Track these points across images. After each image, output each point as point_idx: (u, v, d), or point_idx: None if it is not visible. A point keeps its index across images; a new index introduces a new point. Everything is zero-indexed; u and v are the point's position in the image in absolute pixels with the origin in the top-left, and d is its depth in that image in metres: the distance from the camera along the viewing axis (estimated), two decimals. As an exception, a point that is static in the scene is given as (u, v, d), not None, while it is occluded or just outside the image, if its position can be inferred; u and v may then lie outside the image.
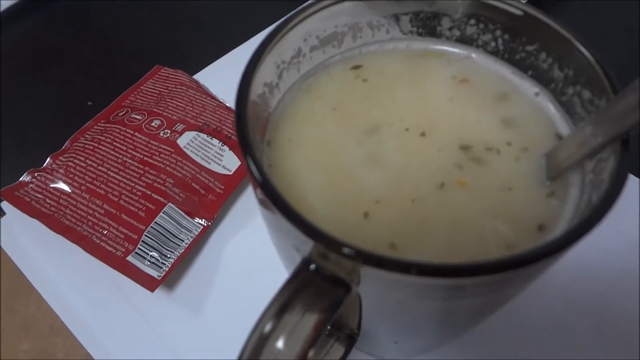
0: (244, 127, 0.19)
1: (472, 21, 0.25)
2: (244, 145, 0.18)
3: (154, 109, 0.43)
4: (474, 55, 0.26)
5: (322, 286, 0.17)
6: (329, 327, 0.27)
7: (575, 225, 0.17)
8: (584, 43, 0.21)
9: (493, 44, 0.25)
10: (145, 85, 0.47)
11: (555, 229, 0.20)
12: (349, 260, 0.16)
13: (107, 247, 0.36)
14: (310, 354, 0.26)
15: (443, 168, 0.21)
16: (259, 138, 0.22)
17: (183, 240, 0.36)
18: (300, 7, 0.22)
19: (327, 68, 0.25)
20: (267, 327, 0.17)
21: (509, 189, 0.21)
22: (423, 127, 0.23)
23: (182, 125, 0.41)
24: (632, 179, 0.38)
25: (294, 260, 0.19)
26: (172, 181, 0.38)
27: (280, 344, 0.17)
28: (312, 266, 0.17)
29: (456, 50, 0.26)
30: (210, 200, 0.38)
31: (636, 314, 0.33)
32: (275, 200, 0.17)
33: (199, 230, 0.37)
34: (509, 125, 0.23)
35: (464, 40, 0.25)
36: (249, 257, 0.37)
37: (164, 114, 0.42)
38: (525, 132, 0.23)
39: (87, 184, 0.38)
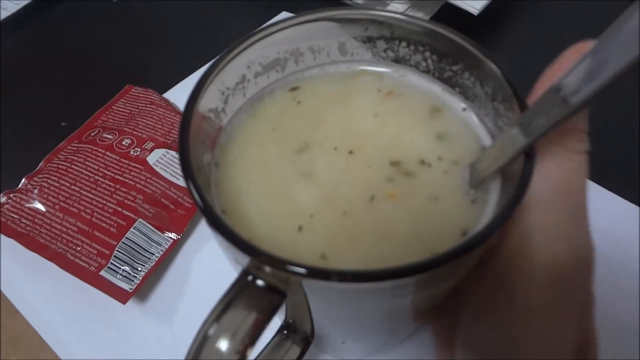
0: (186, 155, 0.20)
1: (404, 43, 0.27)
2: (185, 171, 0.20)
3: (125, 128, 0.45)
4: (408, 74, 0.28)
5: (258, 292, 0.19)
6: (285, 332, 0.29)
7: (481, 229, 0.19)
8: (496, 63, 0.23)
9: (424, 63, 0.27)
10: (116, 105, 0.49)
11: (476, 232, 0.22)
12: (279, 271, 0.18)
13: (81, 263, 0.37)
14: (264, 354, 0.28)
15: (374, 182, 0.23)
16: (207, 159, 0.24)
17: (153, 254, 0.38)
18: (242, 38, 0.24)
19: (271, 92, 0.27)
20: (210, 330, 0.19)
21: (435, 199, 0.23)
22: (350, 146, 0.25)
23: (151, 143, 0.43)
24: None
25: (237, 268, 0.21)
26: (142, 197, 0.40)
27: (221, 344, 0.19)
28: (250, 277, 0.19)
29: (390, 70, 0.28)
30: (179, 215, 0.40)
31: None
32: (212, 220, 0.19)
33: (169, 244, 0.39)
34: (441, 139, 0.25)
35: (399, 61, 0.28)
36: (217, 268, 0.38)
37: (134, 132, 0.44)
38: (456, 146, 0.25)
39: (61, 203, 0.40)
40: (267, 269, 0.19)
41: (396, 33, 0.26)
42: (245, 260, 0.19)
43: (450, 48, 0.25)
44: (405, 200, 0.23)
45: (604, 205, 0.40)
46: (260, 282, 0.19)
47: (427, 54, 0.26)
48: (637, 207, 0.40)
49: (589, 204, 0.37)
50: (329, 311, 0.24)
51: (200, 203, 0.20)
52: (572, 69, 0.18)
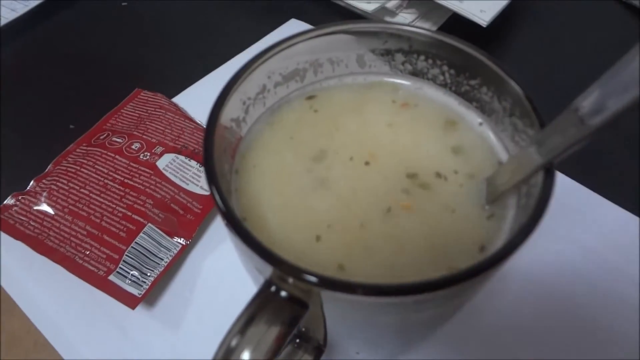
0: (210, 162, 0.21)
1: (422, 57, 0.27)
2: (209, 178, 0.20)
3: (134, 132, 0.45)
4: (424, 87, 0.28)
5: (282, 304, 0.20)
6: (297, 340, 0.29)
7: (500, 247, 0.19)
8: (516, 80, 0.23)
9: (441, 77, 0.27)
10: (125, 108, 0.49)
11: (494, 249, 0.22)
12: (303, 283, 0.19)
13: (90, 267, 0.37)
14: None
15: (390, 194, 0.24)
16: (228, 167, 0.24)
17: (162, 259, 0.38)
18: (263, 49, 0.25)
19: (290, 101, 0.28)
20: (233, 342, 0.19)
21: (452, 212, 0.23)
22: (366, 156, 0.25)
23: (161, 147, 0.43)
24: (632, 218, 0.41)
25: (258, 280, 0.21)
26: (151, 202, 0.40)
27: (244, 356, 0.19)
28: (273, 288, 0.20)
29: (408, 82, 0.28)
30: (188, 220, 0.40)
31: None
32: (236, 228, 0.19)
33: (178, 249, 0.39)
34: (457, 153, 0.26)
35: (416, 74, 0.28)
36: (226, 273, 0.39)
37: (144, 137, 0.44)
38: (472, 159, 0.25)
39: (70, 206, 0.40)
40: (291, 279, 0.19)
41: (415, 47, 0.27)
42: (267, 270, 0.20)
43: (469, 63, 0.25)
44: (421, 212, 0.24)
45: (604, 216, 0.41)
46: (283, 293, 0.19)
47: (445, 67, 0.27)
48: (637, 218, 0.40)
49: (590, 214, 0.38)
50: (344, 321, 0.24)
51: (223, 208, 0.20)
52: (592, 90, 0.18)
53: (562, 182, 0.43)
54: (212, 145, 0.21)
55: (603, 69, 0.18)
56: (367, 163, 0.25)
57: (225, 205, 0.20)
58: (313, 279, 0.18)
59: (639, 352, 0.34)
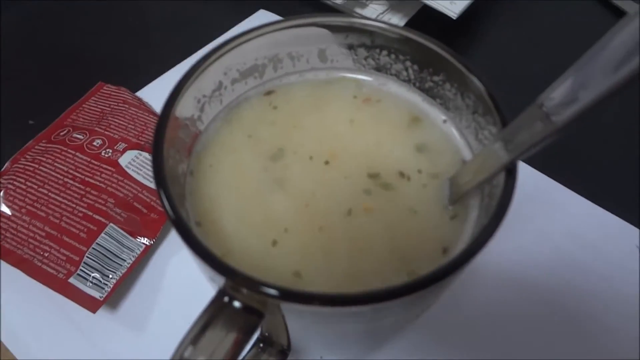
0: (160, 166, 0.20)
1: (385, 52, 0.26)
2: (158, 183, 0.19)
3: (96, 128, 0.43)
4: (388, 83, 0.27)
5: (235, 314, 0.19)
6: (261, 344, 0.28)
7: (461, 251, 0.18)
8: (478, 76, 0.22)
9: (405, 73, 0.26)
10: (87, 103, 0.47)
11: (457, 251, 0.22)
12: (257, 294, 0.18)
13: (49, 270, 0.36)
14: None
15: (351, 195, 0.23)
16: (182, 169, 0.23)
17: (125, 260, 0.37)
18: (218, 44, 0.23)
19: (248, 98, 0.27)
20: (185, 353, 0.19)
21: (414, 214, 0.23)
22: (326, 155, 0.24)
23: (123, 144, 0.42)
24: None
25: (213, 287, 0.20)
26: (113, 201, 0.39)
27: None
28: (226, 298, 0.19)
29: (371, 78, 0.27)
30: (152, 219, 0.39)
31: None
32: (187, 238, 0.18)
33: (141, 250, 0.38)
34: (421, 151, 0.25)
35: (379, 69, 0.27)
36: (192, 275, 0.37)
37: (106, 133, 0.43)
38: (436, 158, 0.25)
39: (28, 206, 0.38)
40: (245, 290, 0.18)
41: (377, 41, 0.26)
42: (221, 280, 0.19)
43: (432, 58, 0.24)
44: (383, 214, 0.23)
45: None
46: (237, 304, 0.19)
47: (408, 63, 0.26)
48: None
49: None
50: (305, 329, 0.23)
51: (173, 216, 0.19)
52: (557, 85, 0.18)
53: (530, 174, 0.42)
54: (161, 148, 0.20)
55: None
56: (327, 162, 0.24)
57: (175, 212, 0.19)
58: (266, 290, 0.17)
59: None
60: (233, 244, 0.22)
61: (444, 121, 0.26)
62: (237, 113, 0.26)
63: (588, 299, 0.37)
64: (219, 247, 0.21)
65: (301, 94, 0.27)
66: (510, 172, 0.20)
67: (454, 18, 0.47)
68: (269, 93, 0.27)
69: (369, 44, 0.26)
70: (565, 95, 0.17)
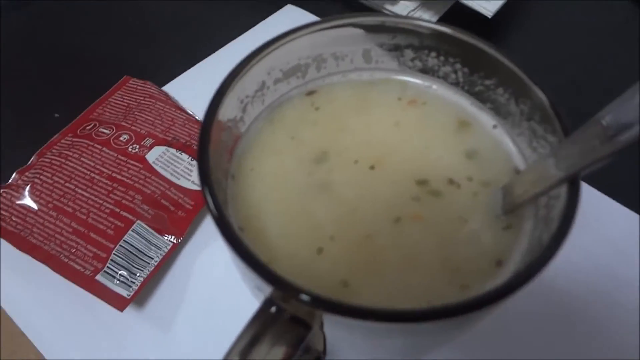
0: (207, 171, 0.19)
1: (433, 53, 0.25)
2: (206, 190, 0.18)
3: (122, 123, 0.43)
4: (434, 85, 0.26)
5: (284, 326, 0.18)
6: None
7: (523, 267, 0.17)
8: (538, 84, 0.21)
9: (453, 75, 0.25)
10: (113, 97, 0.46)
11: (511, 264, 0.21)
12: (306, 305, 0.17)
13: (76, 266, 0.35)
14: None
15: (399, 202, 0.22)
16: (223, 172, 0.23)
17: (152, 258, 0.36)
18: (262, 44, 0.23)
19: (290, 98, 0.26)
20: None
21: (465, 222, 0.22)
22: (372, 160, 0.23)
23: (150, 139, 0.41)
24: (632, 215, 0.39)
25: (257, 294, 0.20)
26: (140, 198, 0.38)
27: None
28: (273, 308, 0.18)
29: (417, 80, 0.26)
30: (179, 217, 0.38)
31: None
32: (234, 244, 0.18)
33: (168, 248, 0.37)
34: (471, 157, 0.24)
35: (426, 71, 0.26)
36: (219, 274, 0.37)
37: (133, 128, 0.42)
38: (486, 165, 0.24)
39: (55, 202, 0.38)
40: (294, 301, 0.17)
41: (425, 42, 0.25)
42: (267, 288, 0.18)
43: (485, 62, 0.23)
44: (433, 222, 0.22)
45: (605, 213, 0.39)
46: (285, 315, 0.18)
47: (458, 65, 0.25)
48: (638, 215, 0.39)
49: (591, 212, 0.37)
50: (345, 340, 0.22)
51: (221, 222, 0.18)
52: (622, 101, 0.16)
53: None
54: (207, 152, 0.19)
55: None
56: (372, 167, 0.23)
57: (223, 218, 0.18)
58: (317, 301, 0.16)
59: (639, 352, 0.33)
60: (277, 251, 0.21)
61: (494, 126, 0.25)
62: (279, 112, 0.25)
63: (620, 310, 0.36)
64: (264, 254, 0.21)
65: (343, 94, 0.26)
66: (573, 184, 0.19)
67: (489, 17, 0.46)
68: (310, 93, 0.26)
69: (417, 45, 0.25)
70: (630, 112, 0.16)
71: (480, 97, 0.25)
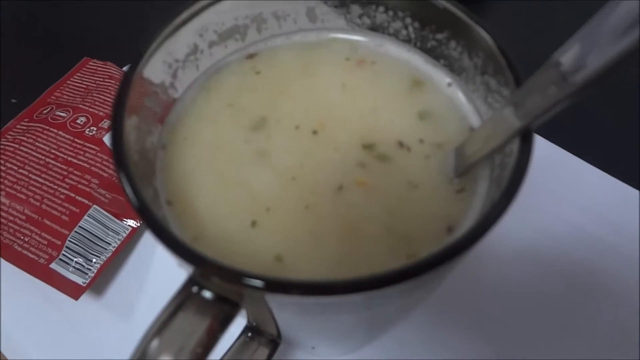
0: (118, 140, 0.17)
1: (382, 8, 0.23)
2: (116, 159, 0.17)
3: (80, 105, 0.41)
4: (385, 44, 0.24)
5: (206, 305, 0.16)
6: (249, 334, 0.26)
7: (469, 228, 0.16)
8: (488, 30, 0.20)
9: (404, 32, 0.23)
10: (72, 79, 0.44)
11: (463, 229, 0.19)
12: (228, 284, 0.15)
13: (29, 255, 0.34)
14: (229, 355, 0.25)
15: (342, 169, 0.20)
16: (152, 142, 0.21)
17: (110, 244, 0.35)
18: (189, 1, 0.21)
19: (229, 63, 0.24)
20: (150, 346, 0.16)
21: (414, 188, 0.20)
22: (315, 125, 0.21)
23: (109, 121, 0.39)
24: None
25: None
26: (97, 182, 0.36)
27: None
28: (195, 288, 0.16)
29: (366, 38, 0.24)
30: (139, 200, 0.37)
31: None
32: (149, 221, 0.16)
33: (127, 232, 0.35)
34: (424, 118, 0.22)
35: (376, 29, 0.24)
36: (181, 258, 0.35)
37: (90, 110, 0.40)
38: (440, 126, 0.22)
39: (7, 189, 0.36)
40: (215, 279, 0.16)
41: (372, -4, 0.23)
42: (189, 267, 0.16)
43: (435, 13, 0.21)
44: (379, 189, 0.20)
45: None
46: (207, 294, 0.16)
47: (408, 20, 0.23)
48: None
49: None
50: (292, 320, 0.21)
51: (134, 198, 0.16)
52: (574, 42, 0.15)
53: (545, 147, 0.39)
54: (121, 117, 0.18)
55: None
56: (315, 132, 0.21)
57: (135, 191, 0.16)
58: (236, 278, 0.15)
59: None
60: (207, 225, 0.19)
61: (449, 84, 0.23)
62: (216, 80, 0.23)
63: (604, 274, 0.34)
64: (192, 229, 0.19)
65: (287, 57, 0.24)
66: (526, 138, 0.17)
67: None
68: (251, 56, 0.24)
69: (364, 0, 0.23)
70: (581, 55, 0.15)
71: (433, 54, 0.23)
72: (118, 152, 0.17)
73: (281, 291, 0.15)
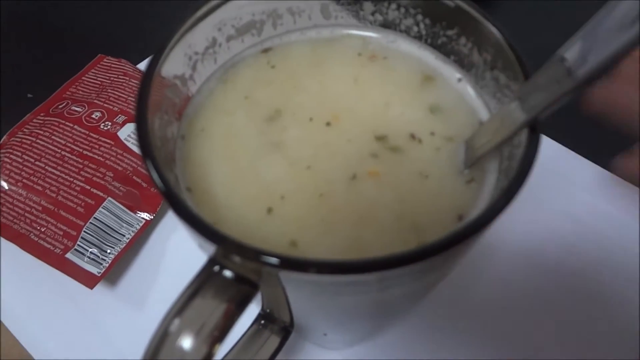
0: (143, 127, 0.18)
1: (393, 5, 0.24)
2: (142, 146, 0.18)
3: (95, 101, 0.42)
4: (397, 40, 0.25)
5: (227, 285, 0.17)
6: (262, 321, 0.26)
7: (478, 215, 0.16)
8: (497, 26, 0.20)
9: (415, 28, 0.24)
10: (87, 75, 0.45)
11: (473, 217, 0.20)
12: (248, 261, 0.16)
13: (46, 245, 0.35)
14: (240, 344, 0.26)
15: (355, 159, 0.21)
16: (172, 132, 0.22)
17: (124, 235, 0.35)
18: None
19: (245, 57, 0.25)
20: (171, 326, 0.17)
21: (425, 178, 0.21)
22: (327, 117, 0.22)
23: (123, 116, 0.40)
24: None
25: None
26: (112, 175, 0.37)
27: (184, 341, 0.17)
28: (216, 267, 0.17)
29: (378, 35, 0.25)
30: (152, 194, 0.37)
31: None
32: (173, 202, 0.17)
33: (140, 225, 0.36)
34: (435, 112, 0.23)
35: (388, 26, 0.25)
36: (193, 249, 0.36)
37: (105, 105, 0.41)
38: (450, 120, 0.23)
39: (24, 180, 0.37)
40: (236, 258, 0.16)
41: (385, -7, 0.24)
42: (210, 248, 0.17)
43: (446, 10, 0.22)
44: (391, 179, 0.21)
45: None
46: (228, 273, 0.17)
47: (419, 17, 0.24)
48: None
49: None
50: (306, 303, 0.21)
51: (160, 182, 0.17)
52: (577, 38, 0.16)
53: (549, 146, 0.40)
54: (146, 106, 0.18)
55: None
56: (328, 124, 0.22)
57: (160, 175, 0.17)
58: (256, 255, 0.15)
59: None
60: (225, 212, 0.20)
61: (459, 80, 0.24)
62: (233, 73, 0.24)
63: (605, 272, 0.35)
64: (210, 215, 0.20)
65: (301, 51, 0.25)
66: (533, 130, 0.18)
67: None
68: (266, 50, 0.25)
69: (376, -3, 0.24)
70: (584, 49, 0.16)
71: (443, 50, 0.24)
72: (144, 137, 0.18)
73: (299, 269, 0.15)
